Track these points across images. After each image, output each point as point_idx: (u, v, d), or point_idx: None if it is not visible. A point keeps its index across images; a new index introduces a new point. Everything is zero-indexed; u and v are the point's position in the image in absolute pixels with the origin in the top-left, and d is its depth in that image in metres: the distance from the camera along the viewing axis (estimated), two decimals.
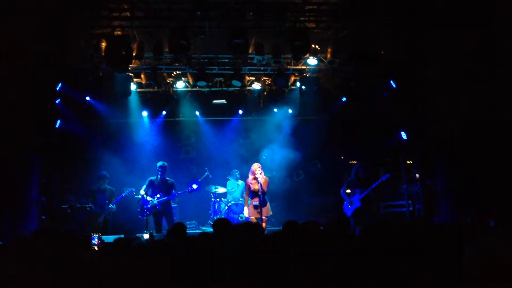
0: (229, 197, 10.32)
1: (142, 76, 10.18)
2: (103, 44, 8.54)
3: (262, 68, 9.83)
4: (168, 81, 10.60)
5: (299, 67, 9.87)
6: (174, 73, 10.32)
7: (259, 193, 7.84)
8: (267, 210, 8.04)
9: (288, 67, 9.82)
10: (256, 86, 10.70)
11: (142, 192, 8.70)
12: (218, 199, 10.26)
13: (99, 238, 5.01)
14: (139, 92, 10.59)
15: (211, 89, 10.62)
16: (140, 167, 10.37)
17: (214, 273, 2.61)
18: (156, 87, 10.45)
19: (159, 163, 8.87)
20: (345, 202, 8.72)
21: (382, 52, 8.98)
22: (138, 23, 8.39)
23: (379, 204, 10.00)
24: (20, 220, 7.99)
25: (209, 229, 9.30)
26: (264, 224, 7.82)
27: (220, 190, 10.48)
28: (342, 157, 11.72)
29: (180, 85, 10.41)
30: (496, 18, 6.56)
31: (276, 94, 11.16)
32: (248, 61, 9.45)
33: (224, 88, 10.57)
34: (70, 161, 10.11)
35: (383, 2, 8.02)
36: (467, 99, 7.27)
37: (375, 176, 8.87)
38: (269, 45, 8.91)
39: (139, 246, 3.45)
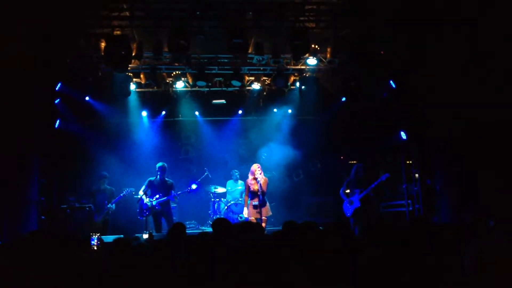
0: (229, 197, 10.31)
1: (142, 76, 10.20)
2: (103, 44, 8.54)
3: (261, 68, 9.84)
4: (167, 81, 10.61)
5: (298, 67, 9.87)
6: (174, 73, 10.33)
7: (259, 194, 7.84)
8: (266, 211, 8.04)
9: (288, 67, 9.82)
10: (256, 86, 10.71)
11: (141, 192, 8.69)
12: (217, 199, 10.26)
13: (99, 239, 5.00)
14: (138, 92, 10.59)
15: (211, 89, 10.63)
16: (140, 167, 10.36)
17: (214, 273, 2.61)
18: (155, 87, 10.46)
19: (159, 164, 8.86)
20: (344, 202, 8.71)
21: (382, 52, 8.98)
22: (138, 23, 8.39)
23: (379, 204, 10.01)
24: (19, 220, 7.98)
25: (209, 229, 9.30)
26: (263, 224, 7.81)
27: (220, 190, 10.47)
28: (342, 157, 11.71)
29: (179, 85, 10.42)
30: (496, 18, 6.56)
31: (275, 94, 11.17)
32: (248, 61, 9.45)
33: (223, 88, 10.58)
34: (70, 161, 10.12)
35: (383, 2, 8.01)
36: (467, 99, 7.27)
37: (374, 176, 8.87)
38: (268, 45, 8.92)
39: (138, 246, 3.44)
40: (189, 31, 8.21)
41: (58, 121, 9.39)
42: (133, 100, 10.58)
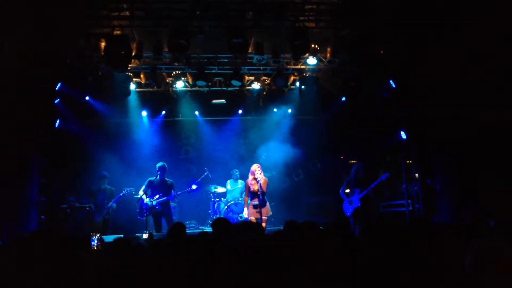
0: (229, 197, 10.32)
1: (142, 75, 10.20)
2: (103, 44, 8.54)
3: (261, 68, 9.83)
4: (167, 80, 10.61)
5: (298, 66, 9.86)
6: (174, 72, 10.32)
7: (259, 193, 7.84)
8: (266, 210, 8.04)
9: (288, 66, 9.81)
10: (256, 85, 10.71)
11: (141, 192, 8.69)
12: (217, 199, 10.26)
13: (99, 239, 4.99)
14: (138, 91, 10.59)
15: (211, 88, 10.63)
16: (140, 167, 10.36)
17: (214, 273, 2.61)
18: (155, 87, 10.46)
19: (159, 164, 8.86)
20: (344, 202, 8.71)
21: (382, 52, 8.98)
22: (138, 22, 8.38)
23: (379, 203, 10.01)
24: (19, 220, 7.98)
25: (209, 229, 9.30)
26: (264, 224, 7.80)
27: (220, 190, 10.48)
28: (342, 157, 11.72)
29: (179, 84, 10.42)
30: (496, 18, 6.56)
31: (275, 94, 11.17)
32: (248, 60, 9.44)
33: (223, 88, 10.58)
34: (70, 161, 10.11)
35: (383, 2, 8.01)
36: (467, 99, 7.27)
37: (374, 175, 8.87)
38: (268, 44, 8.91)
39: (138, 246, 3.44)
40: (189, 31, 8.21)
41: (58, 121, 9.39)
42: (133, 100, 10.58)
